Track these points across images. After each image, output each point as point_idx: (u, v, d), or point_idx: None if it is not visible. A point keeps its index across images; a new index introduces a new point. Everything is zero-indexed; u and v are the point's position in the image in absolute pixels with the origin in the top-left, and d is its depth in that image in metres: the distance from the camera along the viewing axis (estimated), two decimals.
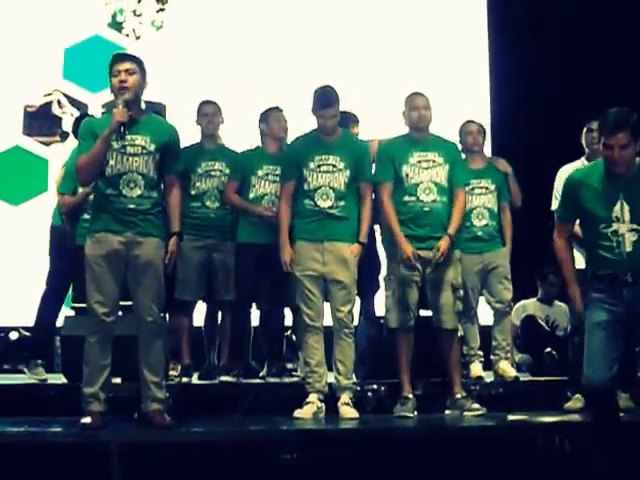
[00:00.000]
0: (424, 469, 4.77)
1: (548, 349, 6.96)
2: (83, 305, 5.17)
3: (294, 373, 6.48)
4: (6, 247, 8.34)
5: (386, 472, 4.76)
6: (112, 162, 4.86)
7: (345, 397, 5.58)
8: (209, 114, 6.43)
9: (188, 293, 6.25)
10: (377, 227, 6.22)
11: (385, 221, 5.73)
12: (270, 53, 8.80)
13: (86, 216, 5.74)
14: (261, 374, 6.33)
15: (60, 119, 8.62)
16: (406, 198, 5.65)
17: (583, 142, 6.09)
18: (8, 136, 8.59)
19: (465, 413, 5.58)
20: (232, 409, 5.64)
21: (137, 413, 5.09)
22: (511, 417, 5.59)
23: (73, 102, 8.58)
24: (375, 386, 5.96)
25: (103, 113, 5.99)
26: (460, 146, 6.33)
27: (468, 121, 6.67)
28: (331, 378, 5.68)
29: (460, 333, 6.04)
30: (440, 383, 5.87)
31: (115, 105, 4.88)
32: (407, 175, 5.66)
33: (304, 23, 9.02)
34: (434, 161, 5.69)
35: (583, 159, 6.08)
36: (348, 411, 5.51)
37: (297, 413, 5.46)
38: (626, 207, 4.35)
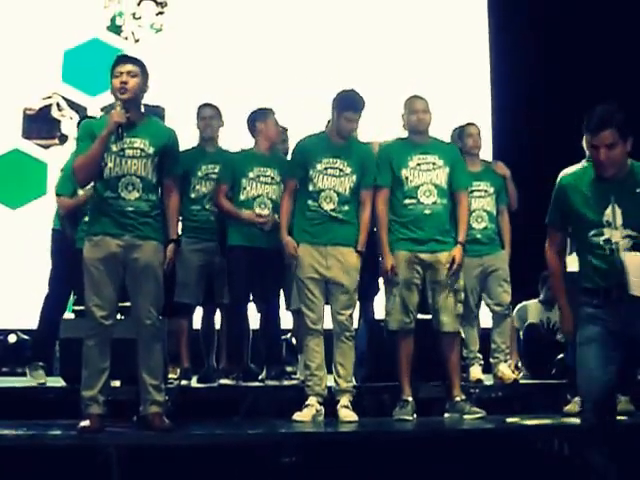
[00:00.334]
0: (423, 472, 4.77)
1: (560, 355, 6.92)
2: (83, 308, 5.16)
3: (293, 376, 6.49)
4: (5, 250, 8.33)
5: (385, 475, 4.75)
6: (110, 165, 4.86)
7: (344, 400, 5.57)
8: (207, 117, 6.44)
9: (188, 296, 6.25)
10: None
11: (377, 227, 5.72)
12: (269, 56, 8.80)
13: (87, 219, 5.74)
14: (260, 377, 6.32)
15: (59, 122, 8.62)
16: (406, 201, 5.64)
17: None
18: (7, 139, 8.58)
19: (464, 416, 5.57)
20: (231, 412, 5.63)
21: (136, 416, 5.08)
22: (510, 420, 5.58)
23: (72, 105, 8.58)
24: (374, 389, 5.95)
25: (106, 113, 5.98)
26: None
27: (468, 123, 6.68)
28: (330, 381, 5.68)
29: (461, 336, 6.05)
30: (439, 386, 5.87)
31: (114, 107, 4.88)
32: (407, 178, 5.66)
33: (304, 26, 9.03)
34: (434, 164, 5.69)
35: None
36: (347, 414, 5.50)
37: (296, 416, 5.46)
38: (618, 211, 3.99)
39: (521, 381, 6.62)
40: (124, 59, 5.05)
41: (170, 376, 6.10)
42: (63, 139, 8.53)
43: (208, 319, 6.53)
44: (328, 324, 5.69)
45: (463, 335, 6.22)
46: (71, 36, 8.79)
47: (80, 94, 8.69)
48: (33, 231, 7.82)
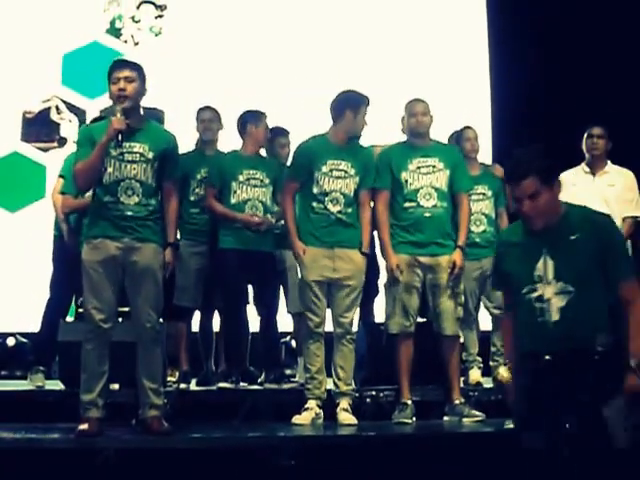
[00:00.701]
0: (423, 475, 4.76)
1: None
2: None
3: (292, 379, 6.48)
4: (3, 254, 8.32)
5: (385, 478, 4.75)
6: (110, 169, 4.85)
7: (344, 403, 5.56)
8: (207, 120, 6.45)
9: (187, 299, 6.24)
10: (375, 233, 6.21)
11: (377, 229, 5.72)
12: (269, 59, 8.79)
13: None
14: (259, 380, 6.32)
15: (58, 125, 8.61)
16: (406, 204, 5.64)
17: (583, 148, 6.10)
18: (6, 142, 8.57)
19: (464, 419, 5.57)
20: (230, 415, 5.62)
21: (135, 419, 5.08)
22: (510, 423, 5.57)
23: (71, 108, 8.58)
24: (373, 392, 5.95)
25: (94, 119, 5.98)
26: None
27: (466, 127, 6.68)
28: (329, 384, 5.67)
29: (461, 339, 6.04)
30: (439, 389, 5.86)
31: (113, 112, 4.88)
32: (406, 181, 5.65)
33: (303, 29, 9.01)
34: (434, 166, 5.69)
35: (583, 164, 6.09)
36: (347, 417, 5.50)
37: (295, 419, 5.45)
38: (550, 263, 3.55)
39: None
40: (121, 64, 5.03)
41: (169, 379, 6.10)
42: (62, 142, 8.52)
43: (206, 322, 6.52)
44: (327, 327, 5.68)
45: (462, 338, 6.22)
46: (70, 39, 8.79)
47: (79, 97, 8.68)
48: (32, 234, 7.81)
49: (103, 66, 5.01)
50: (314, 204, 5.61)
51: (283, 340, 7.14)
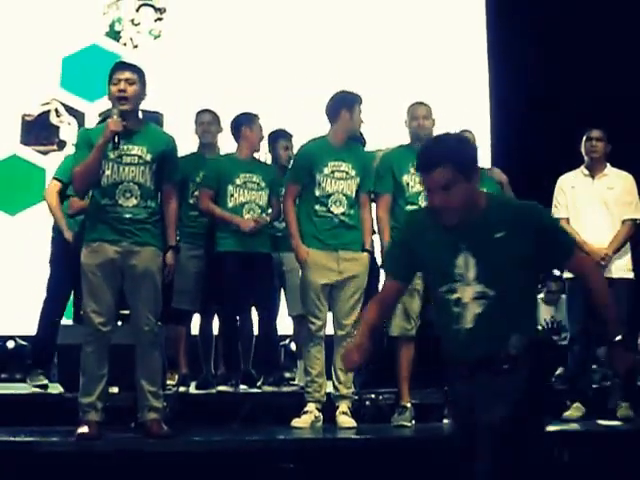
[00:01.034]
0: (422, 478, 4.76)
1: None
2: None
3: (292, 382, 6.47)
4: (3, 257, 8.32)
5: None
6: (108, 172, 4.85)
7: (343, 406, 5.56)
8: (206, 123, 6.44)
9: (186, 302, 6.24)
10: (375, 236, 6.21)
11: (379, 232, 5.72)
12: (268, 62, 8.80)
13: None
14: (258, 383, 6.31)
15: (58, 128, 8.61)
16: (408, 207, 5.62)
17: (582, 151, 6.09)
18: (6, 145, 8.58)
19: None
20: (230, 418, 5.62)
21: (134, 423, 5.08)
22: None
23: (71, 111, 8.58)
24: (373, 395, 5.94)
25: (99, 122, 5.98)
26: None
27: (464, 131, 6.67)
28: (329, 387, 5.67)
29: None
30: (438, 392, 5.85)
31: (111, 114, 4.88)
32: (408, 184, 5.65)
33: (302, 32, 9.02)
34: None
35: (583, 167, 6.08)
36: (346, 420, 5.49)
37: (295, 422, 5.45)
38: (471, 262, 3.13)
39: None
40: (122, 66, 5.04)
41: (168, 382, 6.10)
42: (62, 145, 8.52)
43: (206, 325, 6.51)
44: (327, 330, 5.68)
45: None
46: (70, 42, 8.79)
47: (79, 100, 8.68)
48: (32, 237, 7.81)
49: (102, 69, 5.02)
50: (317, 207, 5.61)
51: (282, 343, 7.14)
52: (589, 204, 5.96)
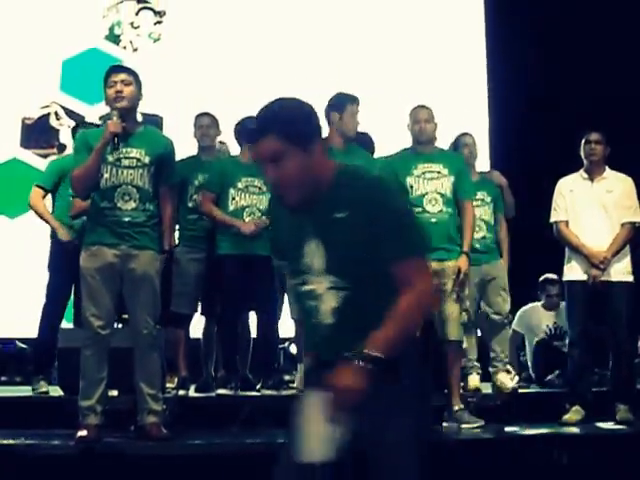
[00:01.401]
0: None
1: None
2: None
3: (291, 385, 6.47)
4: (4, 260, 8.33)
5: None
6: (107, 175, 4.85)
7: None
8: (205, 126, 6.44)
9: (185, 306, 6.23)
10: None
11: None
12: (267, 65, 8.81)
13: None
14: (258, 387, 6.31)
15: (57, 131, 8.62)
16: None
17: (581, 154, 6.10)
18: (6, 148, 8.58)
19: (463, 425, 5.56)
20: (229, 422, 5.62)
21: (134, 426, 5.07)
22: (509, 429, 5.58)
23: (70, 114, 8.59)
24: None
25: (99, 125, 5.99)
26: None
27: (464, 133, 6.69)
28: None
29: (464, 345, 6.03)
30: (438, 395, 5.85)
31: (110, 117, 4.88)
32: (412, 187, 5.65)
33: (301, 35, 9.04)
34: (439, 172, 5.68)
35: (582, 171, 6.08)
36: None
37: None
38: (320, 249, 2.70)
39: (519, 390, 6.61)
40: (117, 69, 5.06)
41: (168, 385, 6.09)
42: (61, 148, 8.53)
43: (210, 328, 6.50)
44: None
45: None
46: (70, 45, 8.80)
47: (78, 103, 8.69)
48: (32, 240, 7.81)
49: (102, 72, 5.01)
50: None
51: (281, 346, 7.13)
52: (588, 207, 5.96)
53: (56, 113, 8.64)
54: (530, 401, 6.48)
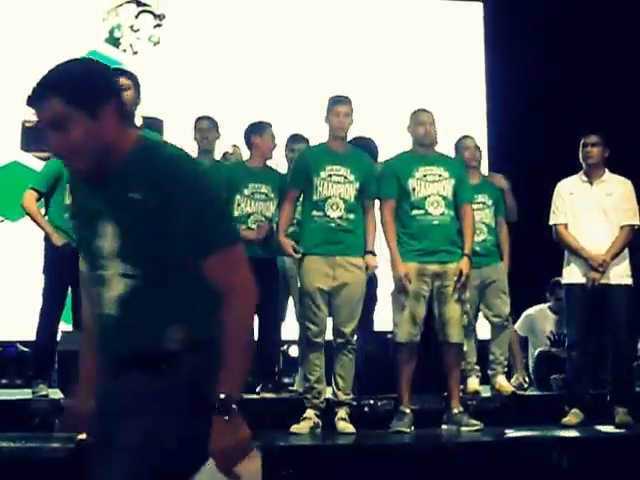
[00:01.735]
0: None
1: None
2: None
3: (290, 388, 6.47)
4: (4, 262, 8.33)
5: None
6: None
7: (342, 412, 5.56)
8: (204, 130, 6.44)
9: None
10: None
11: (385, 237, 5.72)
12: (267, 68, 8.82)
13: None
14: (257, 389, 6.31)
15: None
16: (414, 212, 5.63)
17: (580, 156, 6.09)
18: (6, 151, 8.58)
19: (462, 428, 5.57)
20: None
21: None
22: (508, 432, 5.59)
23: None
24: (372, 401, 5.95)
25: None
26: None
27: (465, 136, 6.70)
28: (328, 394, 5.67)
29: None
30: (437, 398, 5.87)
31: None
32: (414, 189, 5.65)
33: (301, 39, 9.05)
34: (440, 175, 5.69)
35: (581, 173, 6.08)
36: (345, 426, 5.49)
37: (294, 428, 5.45)
38: (111, 230, 2.36)
39: (518, 393, 6.61)
40: (116, 72, 5.05)
41: None
42: None
43: None
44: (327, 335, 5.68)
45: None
46: (69, 48, 8.78)
47: None
48: (33, 243, 7.80)
49: None
50: (314, 212, 5.60)
51: (281, 348, 7.13)
52: (587, 210, 5.95)
53: None
54: (529, 404, 6.49)
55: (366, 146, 6.23)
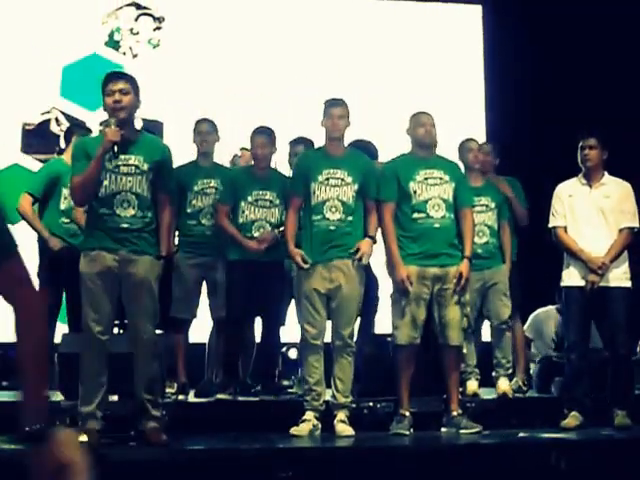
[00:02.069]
0: None
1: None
2: None
3: (290, 390, 6.48)
4: None
5: None
6: (106, 182, 4.87)
7: (341, 415, 5.57)
8: (204, 132, 6.44)
9: (184, 311, 6.24)
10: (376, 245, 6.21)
11: (385, 240, 5.72)
12: (267, 71, 8.83)
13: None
14: (256, 391, 6.31)
15: (58, 137, 8.61)
16: (415, 215, 5.62)
17: (578, 159, 6.09)
18: (7, 154, 8.59)
19: (461, 431, 5.57)
20: (228, 427, 5.62)
21: (134, 431, 5.08)
22: (507, 435, 5.59)
23: (71, 120, 8.59)
24: (371, 403, 5.95)
25: (100, 131, 6.01)
26: (461, 164, 6.35)
27: (468, 139, 6.70)
28: (327, 396, 5.67)
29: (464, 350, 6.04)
30: (436, 400, 5.87)
31: (108, 124, 4.89)
32: (415, 192, 5.65)
33: (301, 41, 9.06)
34: (441, 178, 5.69)
35: (580, 176, 6.08)
36: (344, 429, 5.50)
37: (293, 431, 5.45)
38: None
39: (518, 395, 6.61)
40: (115, 76, 5.05)
41: (167, 391, 6.10)
42: (62, 153, 8.53)
43: (218, 334, 6.48)
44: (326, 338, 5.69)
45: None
46: (70, 51, 8.81)
47: (79, 109, 8.70)
48: (33, 245, 7.81)
49: (102, 78, 5.03)
50: (313, 217, 5.59)
51: (281, 351, 7.13)
52: (587, 213, 5.95)
53: (56, 119, 8.65)
54: (528, 406, 6.49)
55: (366, 149, 6.23)
